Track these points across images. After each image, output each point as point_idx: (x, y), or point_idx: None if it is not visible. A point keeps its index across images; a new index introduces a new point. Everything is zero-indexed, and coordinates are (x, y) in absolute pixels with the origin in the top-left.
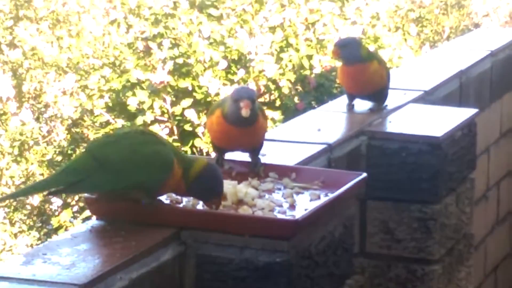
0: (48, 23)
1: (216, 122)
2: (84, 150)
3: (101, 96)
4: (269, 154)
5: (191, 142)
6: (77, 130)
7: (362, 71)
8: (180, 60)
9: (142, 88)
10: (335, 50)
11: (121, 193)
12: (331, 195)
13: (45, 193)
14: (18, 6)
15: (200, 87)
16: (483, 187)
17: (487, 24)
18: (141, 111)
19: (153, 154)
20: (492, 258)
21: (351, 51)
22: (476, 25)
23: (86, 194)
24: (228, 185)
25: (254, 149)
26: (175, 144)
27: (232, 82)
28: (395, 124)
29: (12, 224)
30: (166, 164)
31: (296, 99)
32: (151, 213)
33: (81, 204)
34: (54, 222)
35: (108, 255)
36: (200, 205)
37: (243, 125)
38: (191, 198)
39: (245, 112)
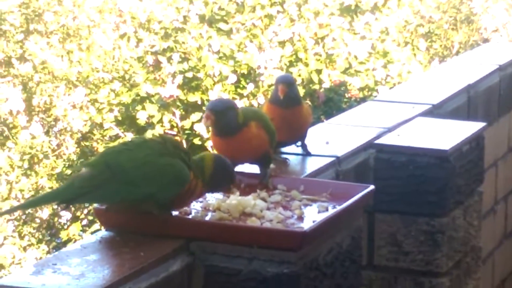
0: (58, 37)
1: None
2: (99, 154)
3: (111, 110)
4: (278, 167)
5: None
6: (87, 143)
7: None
8: (189, 74)
9: (151, 102)
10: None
11: (132, 205)
12: (339, 207)
13: (56, 203)
14: (28, 20)
15: (209, 101)
16: (491, 201)
17: (496, 39)
18: (150, 125)
19: (166, 167)
20: (499, 271)
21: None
22: (486, 40)
23: (96, 205)
24: (233, 201)
25: (259, 161)
26: None
27: (241, 96)
28: (403, 137)
29: (21, 237)
30: (178, 178)
31: None
32: (160, 224)
33: (90, 218)
34: (63, 235)
35: (117, 265)
36: (208, 216)
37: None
38: (200, 209)
39: (204, 123)
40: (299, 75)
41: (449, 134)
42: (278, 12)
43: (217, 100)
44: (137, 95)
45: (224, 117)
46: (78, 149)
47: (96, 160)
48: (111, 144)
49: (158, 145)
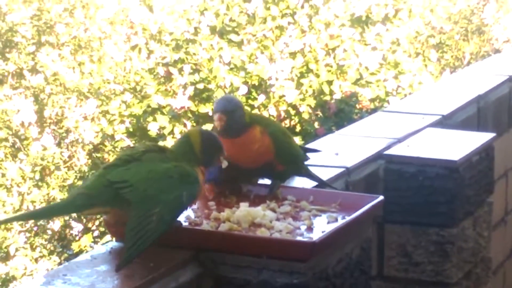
0: (70, 49)
1: None
2: (96, 176)
3: (122, 121)
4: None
5: None
6: (98, 155)
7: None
8: (200, 86)
9: (162, 114)
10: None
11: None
12: (348, 218)
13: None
14: (40, 32)
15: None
16: (501, 212)
17: (507, 50)
18: (161, 136)
19: (174, 172)
20: (510, 282)
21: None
22: (497, 51)
23: (105, 216)
24: (242, 211)
25: (265, 171)
26: None
27: (252, 107)
28: (413, 148)
29: (33, 249)
30: (191, 178)
31: (316, 125)
32: (169, 235)
33: (102, 229)
34: (75, 247)
35: (127, 276)
36: (218, 227)
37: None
38: (210, 220)
39: (218, 125)
40: (310, 86)
41: (458, 145)
42: (289, 23)
43: (224, 100)
44: (148, 106)
45: (234, 117)
46: (90, 161)
47: (93, 183)
48: None
49: (158, 154)
